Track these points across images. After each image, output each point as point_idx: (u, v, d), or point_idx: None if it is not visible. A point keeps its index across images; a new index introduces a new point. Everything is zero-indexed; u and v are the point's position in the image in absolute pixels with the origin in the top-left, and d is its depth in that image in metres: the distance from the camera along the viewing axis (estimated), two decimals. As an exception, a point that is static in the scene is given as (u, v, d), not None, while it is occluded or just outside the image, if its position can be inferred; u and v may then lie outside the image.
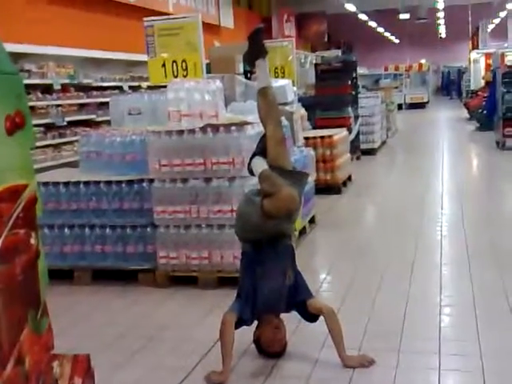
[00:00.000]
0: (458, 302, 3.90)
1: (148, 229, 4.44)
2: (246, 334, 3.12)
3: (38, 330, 2.10)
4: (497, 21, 24.43)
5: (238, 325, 2.98)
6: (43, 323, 2.13)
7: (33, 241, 2.09)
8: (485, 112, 13.38)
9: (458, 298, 3.99)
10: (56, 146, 7.71)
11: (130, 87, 9.38)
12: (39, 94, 7.41)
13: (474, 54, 18.47)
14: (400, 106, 21.32)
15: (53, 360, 2.18)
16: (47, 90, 7.59)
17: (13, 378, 1.93)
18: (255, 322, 3.12)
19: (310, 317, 3.13)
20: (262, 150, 3.10)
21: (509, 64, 11.28)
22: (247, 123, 4.31)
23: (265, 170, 2.98)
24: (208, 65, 6.22)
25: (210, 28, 13.06)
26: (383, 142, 12.54)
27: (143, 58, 5.68)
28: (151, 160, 4.34)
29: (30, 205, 2.10)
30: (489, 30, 24.10)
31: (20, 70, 6.89)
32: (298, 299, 3.08)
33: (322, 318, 3.08)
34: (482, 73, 16.34)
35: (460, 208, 6.62)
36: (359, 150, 10.59)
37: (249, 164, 3.15)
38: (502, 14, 23.32)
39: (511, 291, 3.96)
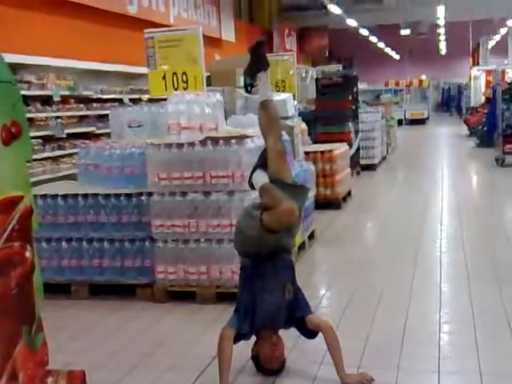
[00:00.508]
0: (458, 320, 3.86)
1: (146, 243, 4.40)
2: (244, 350, 3.08)
3: (33, 346, 2.07)
4: (497, 37, 24.57)
5: (236, 340, 2.93)
6: (38, 338, 2.09)
7: (28, 254, 2.06)
8: (485, 129, 13.42)
9: (458, 315, 3.95)
10: (55, 159, 7.69)
11: (130, 100, 9.38)
12: (39, 106, 7.40)
13: (474, 71, 18.54)
14: (400, 122, 21.36)
15: (47, 376, 2.14)
16: (47, 101, 7.58)
17: (5, 395, 1.89)
18: (253, 338, 3.07)
19: (309, 333, 3.08)
20: (263, 163, 3.07)
21: (509, 81, 11.32)
22: (247, 136, 4.29)
23: (265, 184, 2.95)
24: (208, 77, 6.22)
25: (211, 41, 13.12)
26: (383, 158, 12.54)
27: (143, 70, 5.68)
28: (150, 173, 4.31)
29: (26, 217, 2.07)
30: (489, 47, 24.23)
31: (19, 80, 6.89)
32: (297, 315, 3.03)
33: (321, 334, 3.03)
34: (483, 89, 16.40)
35: (459, 224, 6.59)
36: (359, 166, 10.58)
37: (250, 177, 3.12)
38: (503, 31, 23.45)
39: (509, 307, 3.92)
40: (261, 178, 3.00)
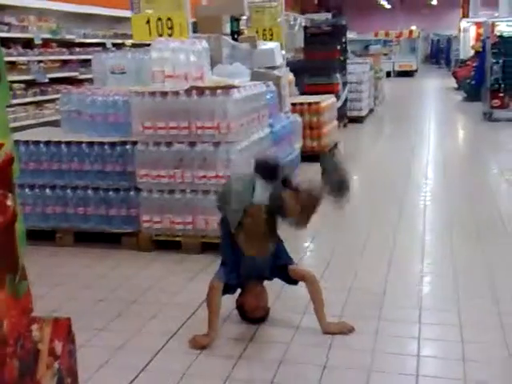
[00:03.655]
0: (439, 271, 3.93)
1: (131, 192, 4.37)
2: (229, 299, 3.12)
3: (16, 294, 2.06)
4: (489, -11, 24.14)
5: (224, 291, 2.97)
6: (22, 287, 2.08)
7: (9, 202, 2.02)
8: (473, 82, 13.34)
9: (439, 267, 4.02)
10: (38, 104, 7.53)
11: (114, 44, 9.14)
12: (20, 49, 7.19)
13: (464, 23, 18.29)
14: (388, 74, 21.17)
15: (32, 323, 2.15)
16: (28, 44, 7.36)
17: (-11, 343, 1.89)
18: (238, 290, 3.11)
19: (292, 281, 3.13)
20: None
21: (499, 34, 11.18)
22: (233, 86, 4.22)
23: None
24: (194, 24, 6.06)
25: (198, -14, 12.69)
26: (371, 110, 12.48)
27: (128, 14, 5.50)
28: (134, 122, 4.24)
29: (6, 165, 2.02)
30: (480, -1, 23.82)
31: (-1, 22, 6.66)
32: (280, 263, 3.07)
33: (302, 284, 3.08)
34: (472, 42, 16.21)
35: (444, 178, 6.64)
36: (346, 118, 10.52)
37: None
38: (495, -17, 23.02)
39: (492, 260, 4.00)
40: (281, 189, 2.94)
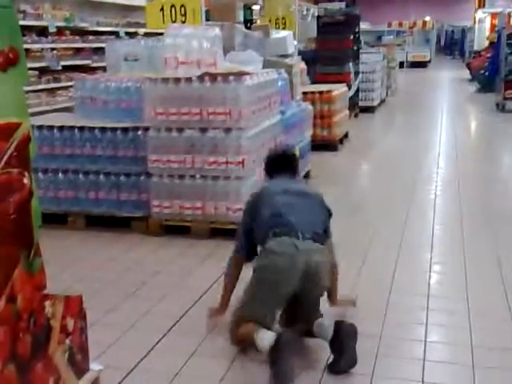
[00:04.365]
0: (449, 260, 3.94)
1: (142, 177, 4.42)
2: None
3: (31, 270, 2.11)
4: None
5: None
6: (36, 263, 2.13)
7: (26, 180, 2.07)
8: (487, 73, 13.23)
9: (449, 256, 4.03)
10: (51, 91, 7.59)
11: (127, 33, 9.17)
12: (34, 37, 7.24)
13: (479, 14, 18.10)
14: (401, 64, 21.01)
15: (45, 300, 2.20)
16: (42, 32, 7.42)
17: (4, 315, 1.95)
18: None
19: None
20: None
21: (515, 25, 11.08)
22: (246, 73, 4.24)
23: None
24: (207, 12, 6.08)
25: (211, -25, 12.67)
26: (382, 100, 12.42)
27: (141, 2, 5.53)
28: (147, 108, 4.28)
29: (24, 144, 2.07)
30: (496, -11, 23.54)
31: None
32: None
33: None
34: (487, 33, 16.06)
35: (456, 168, 6.63)
36: (358, 107, 10.49)
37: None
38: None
39: (501, 251, 4.00)
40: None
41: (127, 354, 2.76)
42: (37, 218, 2.15)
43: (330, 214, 2.95)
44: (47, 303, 2.21)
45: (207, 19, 5.83)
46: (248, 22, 6.68)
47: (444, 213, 5.04)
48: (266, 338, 2.51)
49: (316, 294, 2.75)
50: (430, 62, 25.21)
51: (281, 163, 3.02)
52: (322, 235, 2.81)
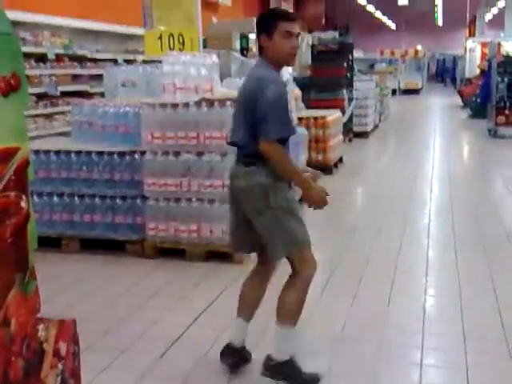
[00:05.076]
0: (443, 284, 3.96)
1: (138, 200, 4.44)
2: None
3: (26, 293, 2.11)
4: (495, 10, 24.34)
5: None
6: (30, 286, 2.13)
7: (23, 204, 2.09)
8: (478, 100, 13.42)
9: (444, 280, 4.04)
10: (47, 116, 7.64)
11: (125, 60, 9.28)
12: (33, 63, 7.32)
13: (470, 43, 18.42)
14: (394, 92, 21.29)
15: (38, 323, 2.20)
16: (41, 59, 7.50)
17: (-2, 338, 1.94)
18: None
19: None
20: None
21: (504, 54, 11.29)
22: (241, 99, 4.29)
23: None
24: (204, 40, 6.18)
25: (208, 5, 12.91)
26: (376, 126, 12.56)
27: (139, 31, 5.62)
28: (144, 132, 4.33)
29: (22, 168, 2.10)
30: (486, 20, 24.02)
31: (12, 29, 6.79)
32: None
33: None
34: (478, 61, 16.34)
35: (449, 193, 6.67)
36: (352, 133, 10.61)
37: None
38: (500, 4, 23.23)
39: (494, 274, 4.03)
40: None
41: (119, 379, 2.74)
42: (33, 241, 2.17)
43: (260, 117, 2.55)
44: (41, 327, 2.20)
45: (204, 47, 5.92)
46: (244, 50, 6.79)
47: (438, 235, 5.07)
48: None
49: (249, 216, 2.65)
50: (422, 89, 25.54)
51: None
52: (248, 153, 2.63)
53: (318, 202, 2.69)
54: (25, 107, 2.20)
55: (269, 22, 2.58)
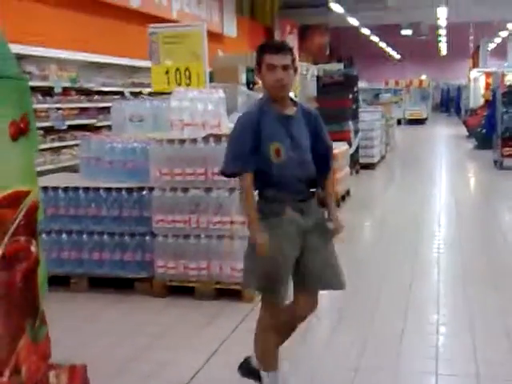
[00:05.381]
0: (455, 321, 3.89)
1: (146, 237, 4.41)
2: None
3: (36, 339, 2.07)
4: (498, 40, 24.60)
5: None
6: (41, 332, 2.10)
7: (33, 248, 2.07)
8: (484, 131, 13.44)
9: (455, 316, 3.97)
10: (55, 150, 7.67)
11: (131, 93, 9.36)
12: (40, 97, 7.38)
13: (474, 73, 18.57)
14: (399, 122, 21.37)
15: (49, 370, 2.15)
16: (48, 92, 7.57)
17: (9, 388, 1.90)
18: None
19: None
20: None
21: (508, 84, 11.33)
22: (250, 135, 4.29)
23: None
24: (211, 73, 6.22)
25: (213, 36, 13.08)
26: (382, 157, 12.56)
27: (145, 63, 5.67)
28: (152, 168, 4.32)
29: (32, 211, 2.08)
30: (489, 49, 24.26)
31: (21, 71, 6.86)
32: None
33: None
34: (482, 91, 16.43)
35: (457, 227, 6.62)
36: (359, 164, 10.60)
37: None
38: (503, 34, 23.49)
39: (506, 309, 3.97)
40: None
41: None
42: (43, 286, 2.13)
43: None
44: (51, 373, 2.16)
45: (211, 80, 5.95)
46: (250, 83, 6.82)
47: (447, 271, 5.00)
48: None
49: None
50: (427, 119, 25.64)
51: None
52: None
53: (257, 250, 2.58)
54: (34, 149, 2.19)
55: (257, 55, 2.62)
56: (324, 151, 2.75)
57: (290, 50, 2.60)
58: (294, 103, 2.71)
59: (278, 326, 2.66)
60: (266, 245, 2.54)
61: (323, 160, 2.73)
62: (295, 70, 2.60)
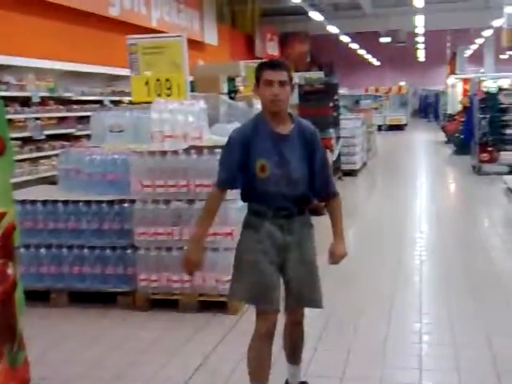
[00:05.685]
0: (438, 330, 3.90)
1: (128, 250, 4.35)
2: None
3: (14, 364, 2.02)
4: (474, 47, 24.97)
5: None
6: (19, 356, 2.04)
7: (10, 271, 2.02)
8: (462, 136, 13.58)
9: (438, 325, 3.99)
10: (33, 160, 7.55)
11: (111, 102, 9.28)
12: (17, 107, 7.27)
13: (451, 79, 18.76)
14: (380, 128, 21.51)
15: (28, 394, 2.09)
16: (26, 102, 7.46)
17: (-14, 417, 1.84)
18: None
19: None
20: None
21: (485, 90, 11.47)
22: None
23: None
24: (191, 83, 6.18)
25: (194, 44, 13.07)
26: (364, 164, 12.63)
27: (125, 72, 5.61)
28: (133, 180, 4.27)
29: (9, 233, 2.03)
30: (466, 56, 24.59)
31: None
32: None
33: None
34: (459, 97, 16.61)
35: (438, 233, 6.70)
36: (341, 171, 10.64)
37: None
38: (479, 41, 23.86)
39: (487, 315, 4.01)
40: None
41: None
42: (20, 308, 2.08)
43: None
44: (31, 398, 2.10)
45: (192, 90, 5.91)
46: (232, 93, 6.80)
47: (429, 279, 5.03)
48: None
49: None
50: (406, 125, 25.87)
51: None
52: None
53: (183, 262, 2.75)
54: (10, 171, 2.14)
55: (256, 72, 2.69)
56: (318, 172, 2.77)
57: (288, 68, 2.67)
58: (293, 120, 2.73)
59: (271, 335, 2.68)
60: (193, 263, 2.71)
61: (320, 181, 2.80)
62: (292, 87, 2.67)
